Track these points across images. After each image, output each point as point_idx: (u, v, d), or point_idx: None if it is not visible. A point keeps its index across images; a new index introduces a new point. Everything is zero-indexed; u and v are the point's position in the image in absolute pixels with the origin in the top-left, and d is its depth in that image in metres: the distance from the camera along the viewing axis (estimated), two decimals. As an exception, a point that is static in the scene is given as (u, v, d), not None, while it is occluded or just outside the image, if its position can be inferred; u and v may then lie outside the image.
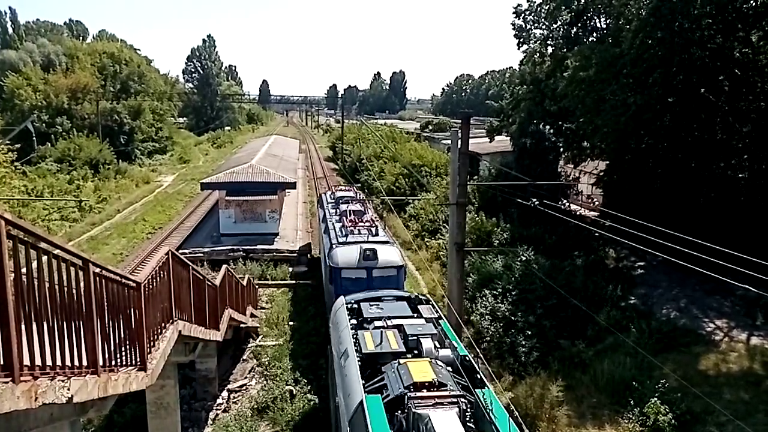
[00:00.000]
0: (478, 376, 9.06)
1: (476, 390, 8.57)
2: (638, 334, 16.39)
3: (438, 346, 9.85)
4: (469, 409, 7.97)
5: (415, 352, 9.63)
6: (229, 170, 32.15)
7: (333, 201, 24.09)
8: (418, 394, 7.99)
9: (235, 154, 54.46)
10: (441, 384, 8.29)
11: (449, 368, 9.15)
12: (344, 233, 18.76)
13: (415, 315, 11.56)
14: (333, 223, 20.26)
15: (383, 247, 17.43)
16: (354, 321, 11.45)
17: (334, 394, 10.95)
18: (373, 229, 19.25)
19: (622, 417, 13.43)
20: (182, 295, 10.58)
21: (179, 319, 10.21)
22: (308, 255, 28.56)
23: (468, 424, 7.70)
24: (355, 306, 12.31)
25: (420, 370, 8.54)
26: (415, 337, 9.89)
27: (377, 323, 10.98)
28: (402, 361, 8.98)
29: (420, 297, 13.14)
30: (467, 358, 9.61)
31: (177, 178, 56.16)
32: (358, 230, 19.00)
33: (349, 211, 21.12)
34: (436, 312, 11.92)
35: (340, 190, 29.40)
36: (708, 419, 12.91)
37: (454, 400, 7.95)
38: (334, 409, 10.31)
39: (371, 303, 12.29)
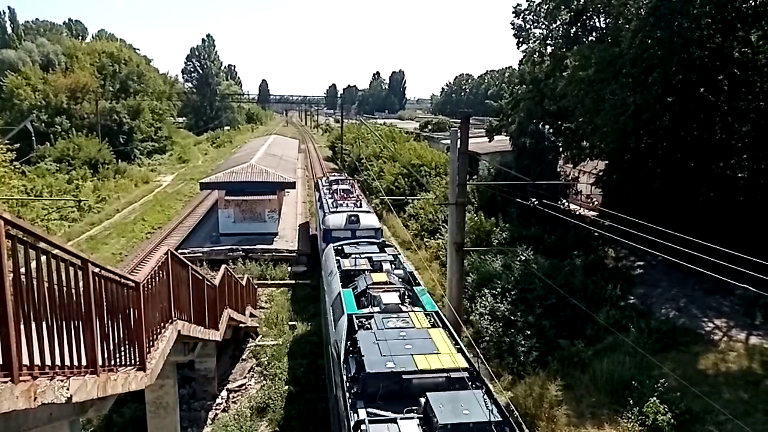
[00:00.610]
0: (417, 282, 14.16)
1: (413, 287, 13.45)
2: (637, 333, 16.40)
3: (394, 267, 14.89)
4: (406, 295, 12.76)
5: (381, 263, 14.86)
6: (229, 170, 32.14)
7: (327, 184, 30.21)
8: (375, 286, 12.77)
9: (234, 153, 54.48)
10: (390, 283, 13.15)
11: (400, 279, 13.97)
12: (335, 205, 24.05)
13: (383, 248, 17.20)
14: (326, 199, 25.58)
15: (364, 215, 22.62)
16: (338, 256, 16.24)
17: (325, 315, 15.71)
18: (358, 203, 24.78)
19: (622, 416, 13.43)
20: (181, 295, 10.58)
21: (178, 318, 10.21)
22: (307, 256, 28.58)
23: (405, 301, 12.42)
24: (340, 247, 17.34)
25: (379, 277, 13.57)
26: (379, 262, 15.12)
27: (354, 255, 16.05)
28: (368, 273, 13.97)
29: (386, 243, 18.19)
30: (412, 273, 15.01)
31: (176, 178, 56.15)
32: (346, 203, 24.26)
33: (340, 189, 27.14)
34: (396, 251, 17.40)
35: (333, 175, 36.19)
36: (707, 418, 12.92)
37: (396, 288, 12.81)
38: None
39: (351, 245, 17.60)
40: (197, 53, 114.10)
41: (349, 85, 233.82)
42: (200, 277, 12.24)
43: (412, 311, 11.66)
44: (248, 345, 19.76)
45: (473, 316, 19.39)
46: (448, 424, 7.30)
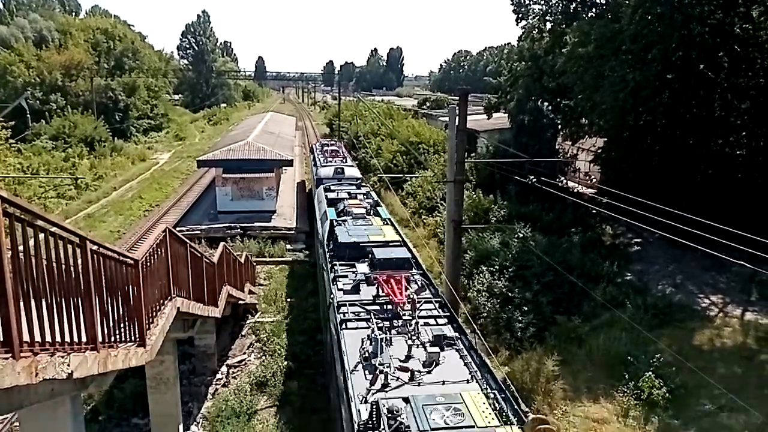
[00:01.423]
0: (379, 205, 19.43)
1: (377, 208, 18.56)
2: (634, 309, 16.55)
3: (364, 198, 20.70)
4: (371, 212, 18.01)
5: (356, 196, 20.82)
6: (226, 148, 31.99)
7: (320, 146, 36.57)
8: (350, 206, 18.39)
9: (231, 131, 54.13)
10: (360, 205, 18.76)
11: (368, 204, 19.29)
12: (326, 161, 29.82)
13: (359, 186, 23.40)
14: (319, 157, 31.54)
15: (348, 168, 27.65)
16: (326, 192, 21.62)
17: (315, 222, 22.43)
18: (344, 160, 30.94)
19: (617, 391, 13.62)
20: (180, 273, 10.61)
21: (177, 296, 10.25)
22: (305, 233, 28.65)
23: (369, 214, 17.65)
24: (328, 186, 22.81)
25: (353, 201, 19.44)
26: (355, 194, 21.19)
27: (337, 190, 21.90)
28: (347, 200, 19.50)
29: (362, 183, 25.01)
30: (377, 201, 20.49)
31: (173, 156, 55.88)
32: (334, 160, 30.14)
33: (329, 150, 33.69)
34: (369, 189, 23.55)
35: (325, 140, 44.27)
36: (701, 393, 13.11)
37: (364, 206, 18.52)
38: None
39: (336, 184, 23.48)
40: (192, 29, 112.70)
41: (346, 62, 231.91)
42: (199, 255, 12.27)
43: (373, 218, 17.19)
44: (247, 322, 19.89)
45: (471, 293, 19.51)
46: (382, 258, 12.50)
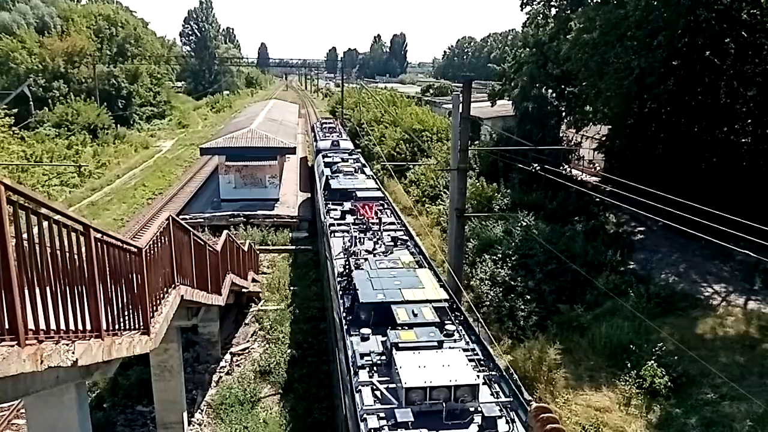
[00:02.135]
0: (365, 166, 25.29)
1: (364, 169, 24.18)
2: (637, 298, 16.53)
3: (354, 161, 25.25)
4: (359, 170, 23.55)
5: (348, 160, 24.81)
6: (229, 135, 31.94)
7: (320, 124, 43.03)
8: (342, 167, 22.86)
9: (234, 118, 54.01)
10: (351, 166, 23.33)
11: (358, 165, 24.79)
12: (324, 136, 35.80)
13: (351, 154, 27.93)
14: (319, 133, 37.78)
15: (343, 141, 33.03)
16: (324, 158, 26.07)
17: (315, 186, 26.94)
18: (340, 135, 37.06)
19: (619, 379, 13.64)
20: (183, 261, 10.63)
21: (181, 284, 10.28)
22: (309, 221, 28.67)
23: (357, 171, 22.96)
24: (325, 154, 27.29)
25: (345, 163, 24.01)
26: (347, 159, 25.63)
27: (333, 155, 26.50)
28: (340, 163, 23.98)
29: (353, 151, 29.58)
30: (365, 164, 25.85)
31: (176, 143, 55.83)
32: (332, 135, 36.31)
33: (328, 127, 40.71)
34: (358, 155, 28.65)
35: (324, 119, 53.47)
36: (704, 381, 13.14)
37: (354, 166, 23.68)
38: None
39: (332, 152, 27.98)
40: (195, 16, 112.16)
41: (349, 49, 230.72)
42: (202, 243, 12.28)
43: (359, 174, 22.59)
44: (251, 310, 19.98)
45: (474, 282, 19.52)
46: (361, 196, 18.25)
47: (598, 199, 22.52)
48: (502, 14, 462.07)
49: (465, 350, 8.74)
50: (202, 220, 27.16)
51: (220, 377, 16.27)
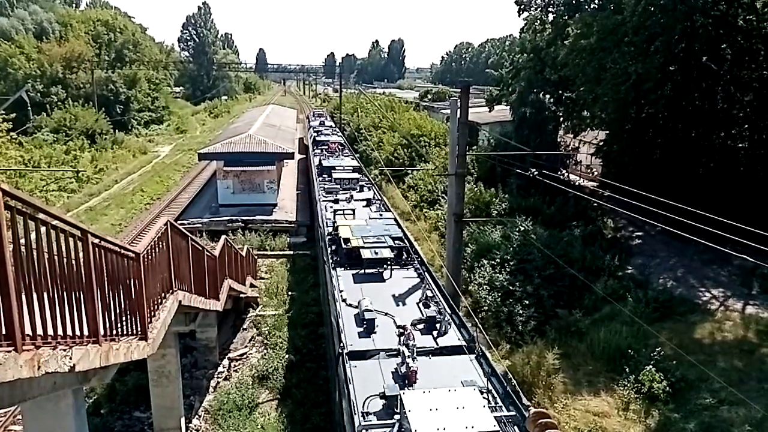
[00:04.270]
0: (346, 142, 36.28)
1: (346, 144, 34.21)
2: (635, 303, 16.54)
3: (338, 135, 38.34)
4: (348, 152, 30.91)
5: (344, 160, 27.20)
6: (227, 140, 31.93)
7: (313, 114, 56.91)
8: (329, 143, 32.49)
9: (232, 123, 54.10)
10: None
11: (340, 138, 36.98)
12: (314, 118, 49.95)
13: (348, 151, 31.61)
14: (312, 119, 50.25)
15: (327, 121, 48.09)
16: (315, 133, 37.52)
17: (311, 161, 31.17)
18: (326, 119, 51.28)
19: (618, 384, 13.64)
20: (181, 266, 10.60)
21: (179, 289, 10.25)
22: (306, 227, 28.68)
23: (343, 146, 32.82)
24: (318, 131, 39.09)
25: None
26: (331, 133, 38.57)
27: (320, 131, 39.72)
28: (329, 143, 32.58)
29: (335, 131, 41.96)
30: (345, 138, 39.93)
31: (174, 149, 55.83)
32: (321, 119, 49.58)
33: (317, 113, 56.22)
34: (340, 133, 42.87)
35: (315, 111, 63.94)
36: (702, 386, 13.13)
37: (337, 140, 34.03)
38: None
39: (321, 133, 38.13)
40: (193, 21, 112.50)
41: (347, 54, 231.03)
42: (200, 248, 12.26)
43: (343, 154, 29.27)
44: (249, 315, 19.92)
45: (472, 286, 19.52)
46: (340, 177, 22.24)
47: (596, 204, 22.55)
48: (500, 20, 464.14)
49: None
50: (200, 225, 27.10)
51: (218, 383, 16.21)
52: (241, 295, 18.45)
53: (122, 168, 44.13)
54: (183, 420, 12.97)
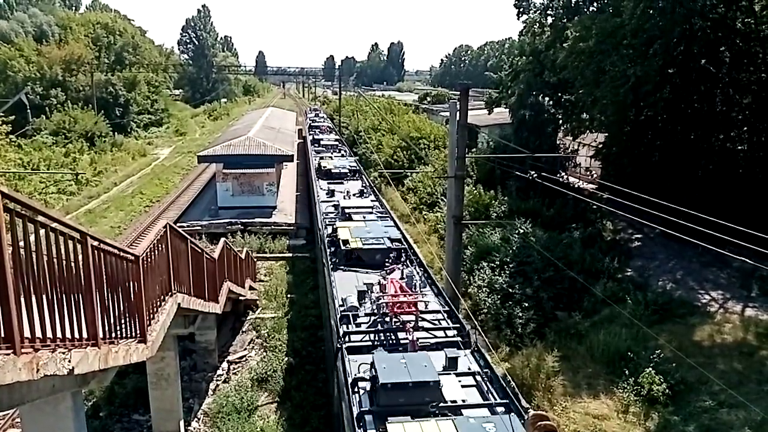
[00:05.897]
0: (339, 134, 43.48)
1: (338, 137, 39.20)
2: (634, 305, 16.53)
3: (331, 131, 42.86)
4: (348, 154, 31.59)
5: (329, 136, 38.79)
6: (226, 143, 31.94)
7: (309, 109, 66.16)
8: (323, 135, 38.57)
9: (231, 126, 54.10)
10: (336, 141, 35.76)
11: (333, 133, 42.21)
12: (310, 111, 62.10)
13: (334, 132, 42.38)
14: (308, 113, 58.88)
15: (321, 113, 60.48)
16: (312, 126, 44.69)
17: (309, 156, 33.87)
18: (320, 113, 61.33)
19: (617, 387, 13.62)
20: (181, 268, 10.61)
21: (178, 291, 10.25)
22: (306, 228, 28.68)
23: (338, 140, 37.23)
24: (315, 124, 46.72)
25: (328, 137, 36.77)
26: (325, 126, 45.76)
27: (317, 123, 47.94)
28: (324, 137, 37.13)
29: (332, 127, 46.93)
30: (335, 130, 45.57)
31: (173, 151, 55.84)
32: (316, 113, 59.23)
33: (313, 108, 69.73)
34: (338, 132, 45.37)
35: (311, 106, 72.58)
36: (701, 389, 13.12)
37: (339, 148, 33.67)
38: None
39: (319, 131, 41.49)
40: (193, 24, 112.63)
41: (347, 57, 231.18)
42: (199, 251, 12.26)
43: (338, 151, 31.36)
44: (248, 318, 19.90)
45: (471, 289, 19.51)
46: (334, 171, 24.30)
47: (595, 207, 22.56)
48: (499, 23, 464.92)
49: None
50: (199, 227, 27.09)
51: (217, 385, 16.19)
52: (241, 298, 18.44)
53: (121, 170, 44.12)
54: (182, 423, 12.96)
